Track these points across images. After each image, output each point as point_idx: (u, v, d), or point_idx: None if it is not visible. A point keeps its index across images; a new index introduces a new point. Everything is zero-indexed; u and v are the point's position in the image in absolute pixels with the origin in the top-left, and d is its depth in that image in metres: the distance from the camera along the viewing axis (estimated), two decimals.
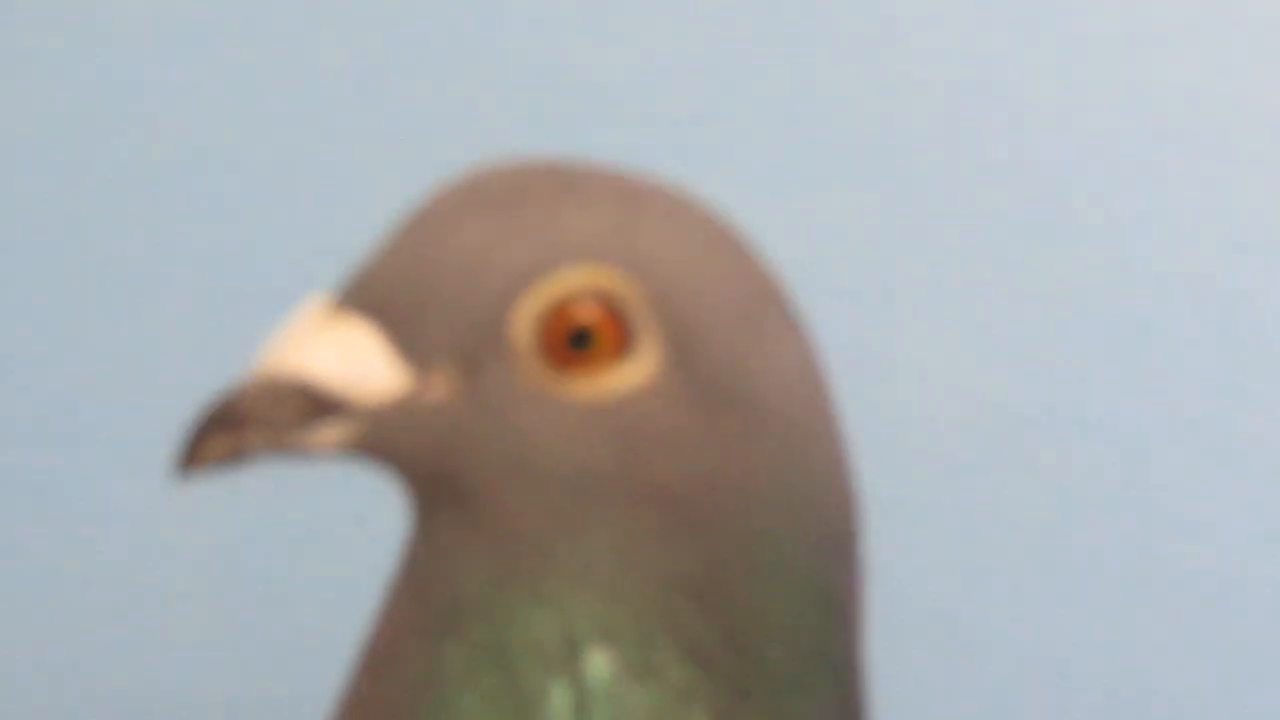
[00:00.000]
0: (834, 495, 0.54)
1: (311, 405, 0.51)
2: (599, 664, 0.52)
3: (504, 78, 0.93)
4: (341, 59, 0.93)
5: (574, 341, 0.50)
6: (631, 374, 0.50)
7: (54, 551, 0.82)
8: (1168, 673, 0.95)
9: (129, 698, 0.82)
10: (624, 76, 0.96)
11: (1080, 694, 0.94)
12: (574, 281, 0.50)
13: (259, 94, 0.90)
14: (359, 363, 0.51)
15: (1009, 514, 0.94)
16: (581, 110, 0.92)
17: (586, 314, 0.50)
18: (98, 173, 0.92)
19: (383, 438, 0.51)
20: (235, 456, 0.51)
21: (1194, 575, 0.96)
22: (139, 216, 0.84)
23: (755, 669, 0.53)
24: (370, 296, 0.51)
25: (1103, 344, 1.01)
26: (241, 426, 0.50)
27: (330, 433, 0.50)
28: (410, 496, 0.53)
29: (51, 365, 0.80)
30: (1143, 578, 0.93)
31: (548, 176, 0.53)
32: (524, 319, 0.50)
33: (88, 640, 0.84)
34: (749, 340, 0.53)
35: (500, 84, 0.93)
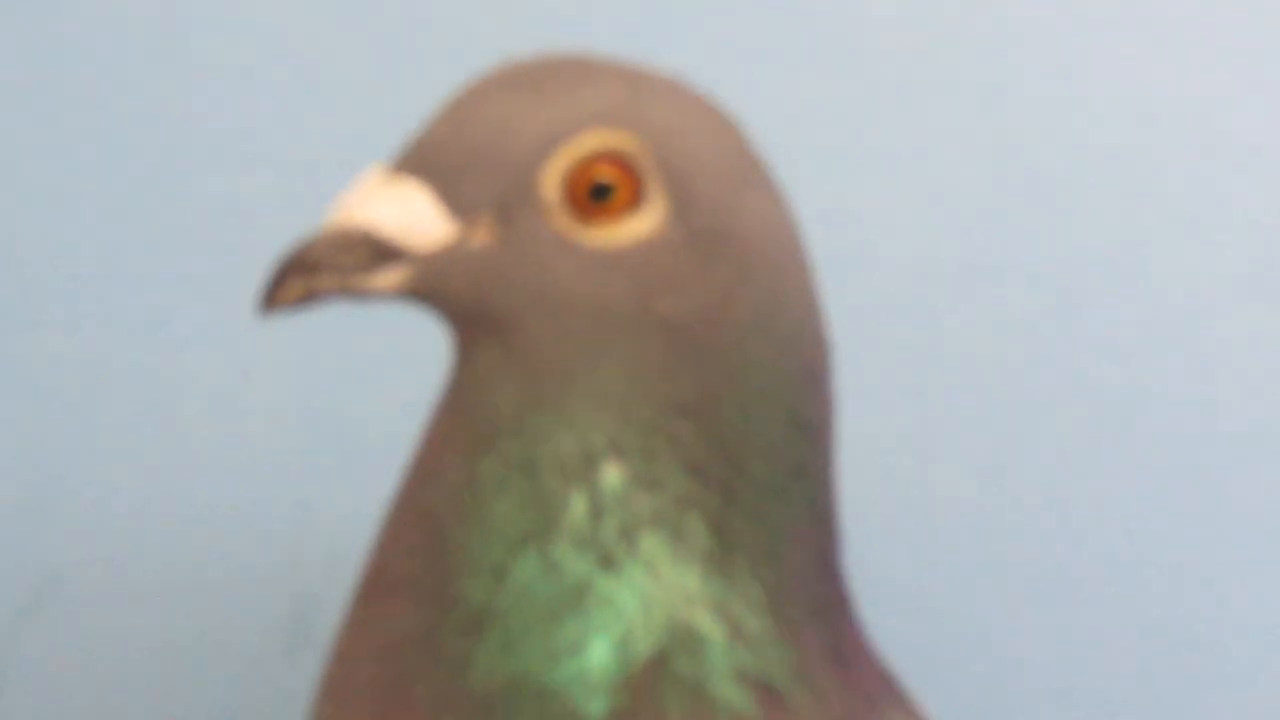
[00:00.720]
0: (808, 334, 0.61)
1: (373, 252, 0.57)
2: (612, 475, 0.58)
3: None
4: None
5: (594, 195, 0.57)
6: (641, 225, 0.56)
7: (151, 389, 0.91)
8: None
9: (208, 507, 0.92)
10: None
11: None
12: (593, 143, 0.56)
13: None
14: (413, 215, 0.57)
15: (963, 354, 1.00)
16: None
17: (605, 171, 0.57)
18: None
19: (433, 280, 0.57)
20: (309, 298, 0.57)
21: (1117, 397, 1.01)
22: (233, 105, 0.92)
23: (742, 480, 0.60)
24: (421, 161, 0.57)
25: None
26: (314, 271, 0.57)
27: (390, 276, 0.57)
28: (454, 334, 0.59)
29: (151, 218, 0.88)
30: (1075, 403, 0.99)
31: (567, 63, 0.60)
32: (552, 176, 0.56)
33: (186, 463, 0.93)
34: (736, 198, 0.60)
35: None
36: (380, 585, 0.63)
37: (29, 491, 0.96)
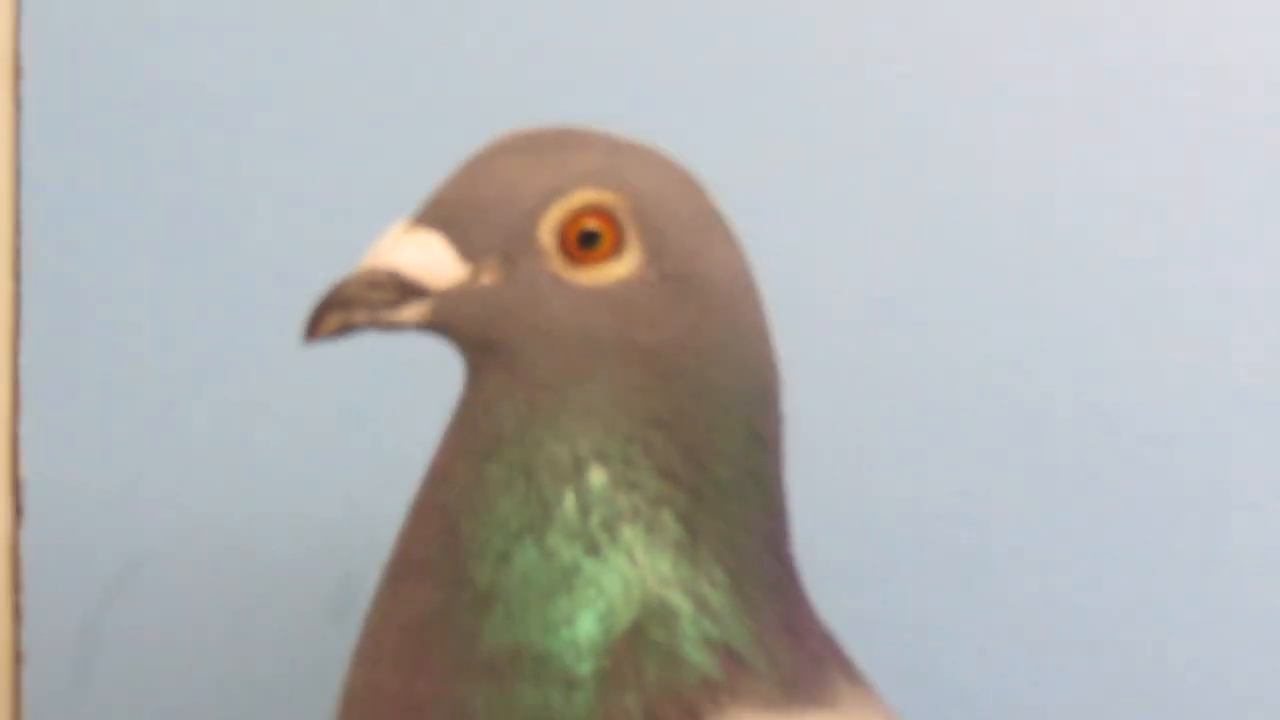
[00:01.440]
0: (763, 361, 0.70)
1: (399, 290, 0.65)
2: (597, 477, 0.67)
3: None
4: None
5: (583, 242, 0.65)
6: (622, 267, 0.66)
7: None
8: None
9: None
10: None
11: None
12: (582, 199, 0.66)
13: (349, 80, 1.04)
14: (432, 259, 0.66)
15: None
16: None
17: (592, 222, 0.66)
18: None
19: (448, 313, 0.66)
20: (344, 329, 0.66)
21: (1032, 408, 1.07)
22: (290, 170, 1.00)
23: (707, 482, 0.68)
24: (438, 214, 0.66)
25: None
26: (349, 306, 0.65)
27: (412, 310, 0.65)
28: (465, 359, 0.69)
29: (228, 256, 0.97)
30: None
31: (560, 132, 0.69)
32: (548, 226, 0.65)
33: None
34: (700, 246, 0.69)
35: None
36: (404, 569, 0.71)
37: (116, 488, 1.03)
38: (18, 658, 1.03)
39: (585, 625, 0.67)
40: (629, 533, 0.68)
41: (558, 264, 0.67)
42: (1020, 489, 1.10)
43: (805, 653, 0.72)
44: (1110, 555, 1.11)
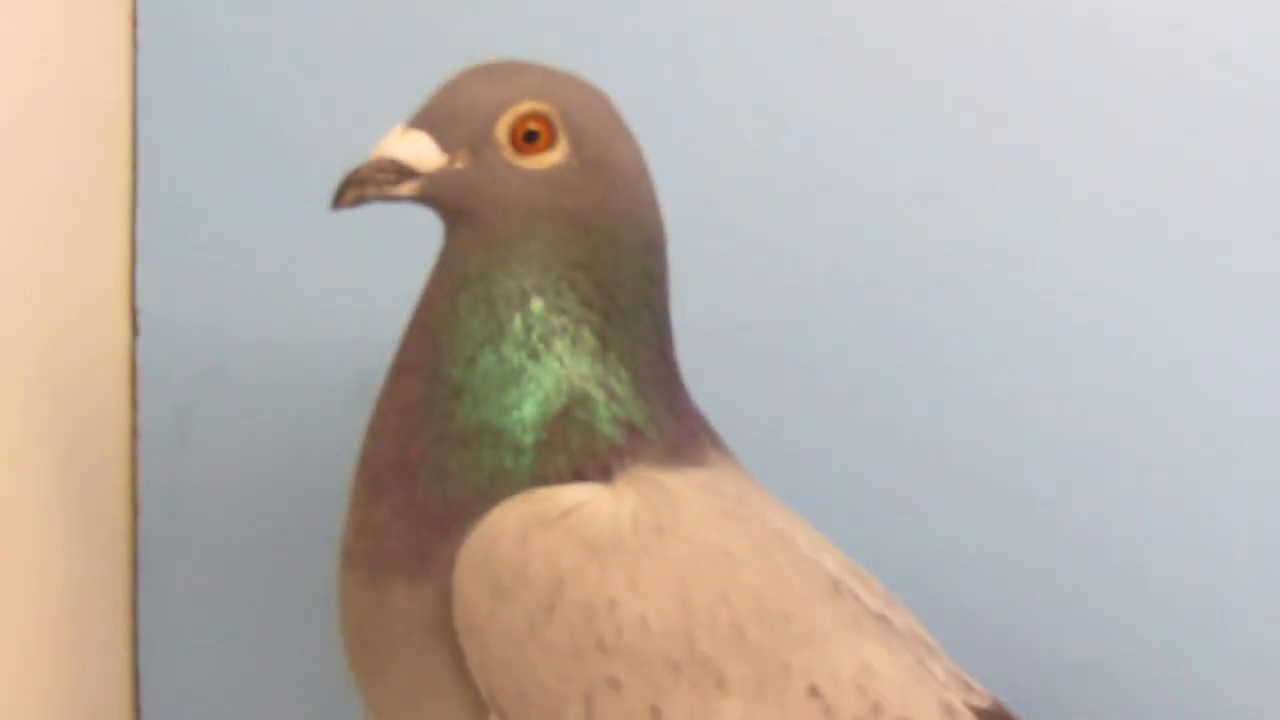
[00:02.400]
0: (652, 222, 0.87)
1: (398, 173, 0.82)
2: (536, 304, 0.83)
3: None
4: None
5: (526, 138, 0.82)
6: (554, 156, 0.83)
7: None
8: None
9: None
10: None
11: None
12: (526, 108, 0.82)
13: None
14: (420, 151, 0.83)
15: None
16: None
17: (533, 124, 0.83)
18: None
19: (432, 189, 0.83)
20: (359, 200, 0.82)
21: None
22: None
23: (614, 308, 0.85)
24: (425, 119, 0.83)
25: None
26: (362, 184, 0.82)
27: (407, 187, 0.82)
28: (444, 222, 0.85)
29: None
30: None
31: (510, 63, 0.86)
32: (502, 127, 0.82)
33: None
34: (608, 141, 0.85)
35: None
36: (400, 369, 0.87)
37: (205, 310, 1.18)
38: (134, 433, 1.19)
39: (529, 409, 0.84)
40: (559, 344, 0.85)
41: (509, 153, 0.84)
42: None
43: (684, 428, 0.88)
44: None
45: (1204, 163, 1.18)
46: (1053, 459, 1.19)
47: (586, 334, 0.86)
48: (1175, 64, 1.18)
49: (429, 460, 0.85)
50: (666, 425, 0.88)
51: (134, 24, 1.19)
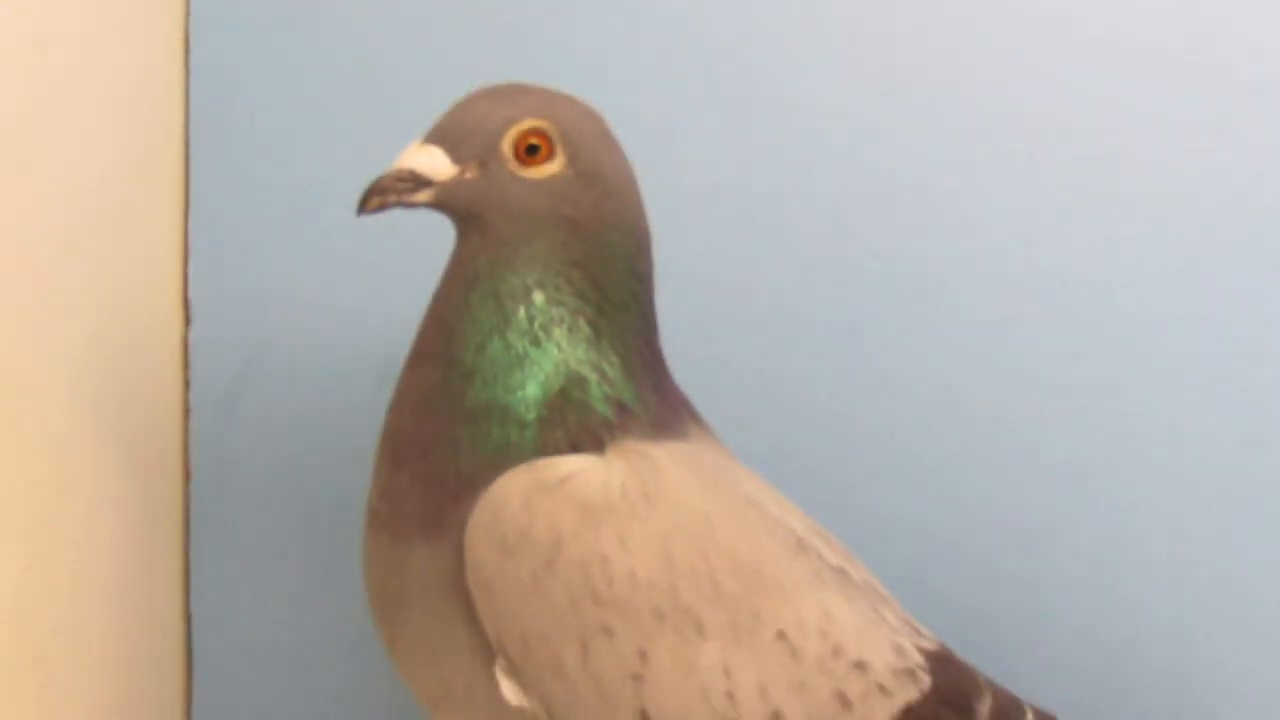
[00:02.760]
0: (639, 227, 0.91)
1: (415, 182, 0.87)
2: (538, 297, 0.87)
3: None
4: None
5: (528, 151, 0.87)
6: (552, 167, 0.87)
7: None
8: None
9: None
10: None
11: None
12: (528, 125, 0.87)
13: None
14: (435, 163, 0.87)
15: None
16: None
17: (534, 139, 0.87)
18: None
19: (445, 197, 0.87)
20: (381, 207, 0.87)
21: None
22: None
23: (605, 301, 0.89)
24: (439, 135, 0.87)
25: None
26: (384, 193, 0.87)
27: (423, 195, 0.87)
28: (456, 226, 0.89)
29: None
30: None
31: (515, 85, 0.90)
32: (507, 142, 0.87)
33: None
34: (601, 154, 0.89)
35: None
36: (419, 355, 0.91)
37: (250, 298, 1.20)
38: (186, 410, 1.21)
39: (531, 389, 0.88)
40: (557, 332, 0.89)
41: (513, 165, 0.88)
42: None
43: (667, 406, 0.92)
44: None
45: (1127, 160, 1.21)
46: (983, 436, 1.22)
47: (582, 324, 0.90)
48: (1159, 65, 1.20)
49: (444, 434, 0.89)
50: (652, 403, 0.91)
51: (186, 48, 1.22)
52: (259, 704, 1.24)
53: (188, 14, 1.21)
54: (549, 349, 0.89)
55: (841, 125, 1.21)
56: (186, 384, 1.23)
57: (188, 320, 1.22)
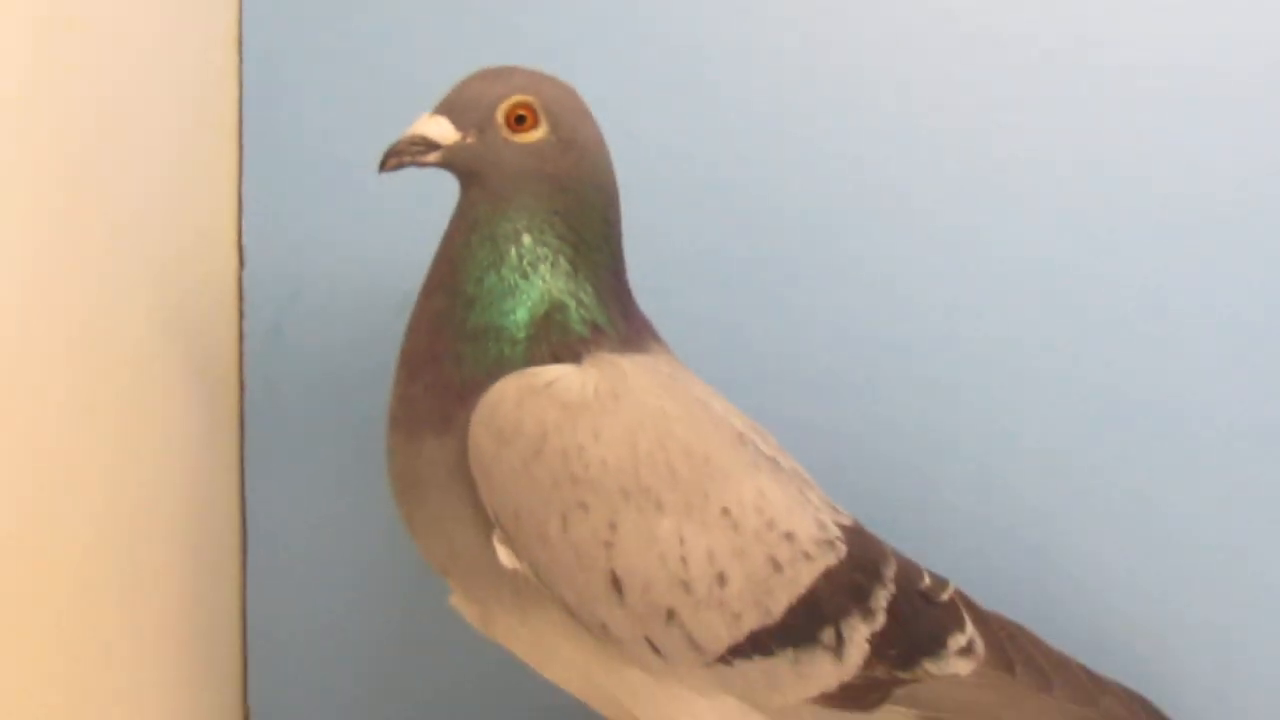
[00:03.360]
0: (609, 183, 0.99)
1: (425, 145, 0.94)
2: (526, 239, 0.95)
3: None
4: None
5: (518, 121, 0.95)
6: (537, 134, 0.95)
7: None
8: None
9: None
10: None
11: None
12: (517, 99, 0.95)
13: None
14: (442, 130, 0.95)
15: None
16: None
17: (522, 111, 0.95)
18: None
19: (450, 158, 0.94)
20: (397, 166, 0.94)
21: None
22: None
23: (582, 243, 0.97)
24: (445, 107, 0.95)
25: None
26: (400, 154, 0.94)
27: (432, 156, 0.94)
28: (460, 182, 0.96)
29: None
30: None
31: (507, 68, 0.97)
32: (500, 113, 0.95)
33: None
34: (576, 122, 0.97)
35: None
36: (429, 288, 0.97)
37: (293, 245, 1.26)
38: (241, 337, 1.28)
39: (520, 313, 0.96)
40: (542, 267, 0.97)
41: (505, 132, 0.96)
42: None
43: (632, 327, 1.00)
44: None
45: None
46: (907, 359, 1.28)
47: (562, 261, 0.98)
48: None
49: (450, 351, 0.97)
50: (620, 324, 1.00)
51: (240, 43, 1.28)
52: (305, 579, 1.32)
53: (240, 7, 1.27)
54: (535, 281, 0.97)
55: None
56: (241, 315, 1.30)
57: (242, 263, 1.29)
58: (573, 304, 0.98)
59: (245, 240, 1.29)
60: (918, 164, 1.25)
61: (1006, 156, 1.24)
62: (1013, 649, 1.09)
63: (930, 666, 1.04)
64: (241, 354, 1.30)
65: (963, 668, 1.06)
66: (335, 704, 1.32)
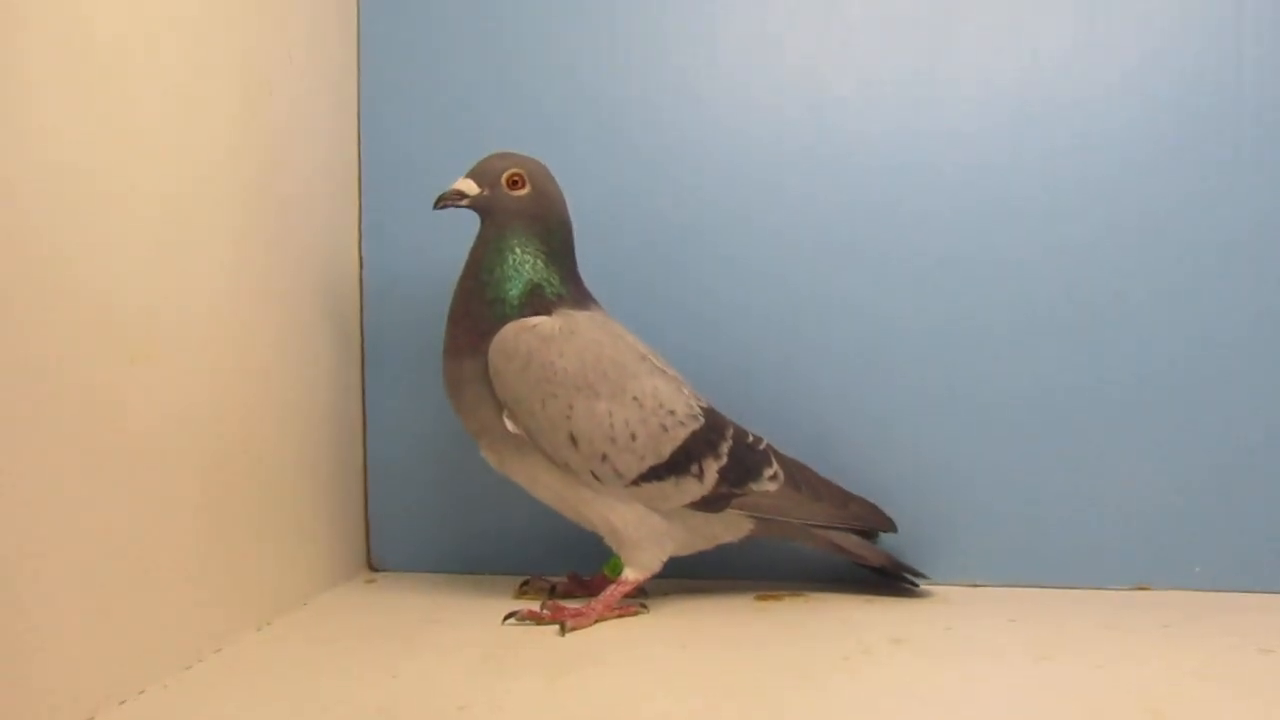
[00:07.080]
0: (566, 220, 1.69)
1: (459, 195, 1.65)
2: (518, 249, 1.65)
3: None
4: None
5: (513, 183, 1.67)
6: (525, 191, 1.67)
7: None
8: None
9: None
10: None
11: None
12: (514, 170, 1.66)
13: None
14: (469, 187, 1.67)
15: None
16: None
17: (517, 177, 1.67)
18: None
19: (475, 204, 1.66)
20: (444, 206, 1.65)
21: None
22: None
23: (551, 253, 1.66)
24: (473, 173, 1.66)
25: None
26: (445, 200, 1.64)
27: (464, 201, 1.65)
28: (481, 218, 1.68)
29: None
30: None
31: (509, 152, 1.69)
32: (504, 178, 1.66)
33: None
34: (547, 186, 1.69)
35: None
36: (463, 277, 1.62)
37: (392, 250, 1.81)
38: (361, 309, 1.78)
39: (514, 291, 1.57)
40: (527, 265, 1.58)
41: (506, 189, 1.60)
42: None
43: (581, 296, 1.60)
44: None
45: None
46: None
47: (539, 261, 1.59)
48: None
49: (476, 310, 1.56)
50: (574, 294, 1.59)
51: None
52: (408, 448, 1.85)
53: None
54: (524, 272, 1.59)
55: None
56: (361, 295, 1.86)
57: (361, 264, 1.84)
58: (546, 285, 1.60)
59: (364, 249, 1.86)
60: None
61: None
62: (800, 476, 1.70)
63: (753, 486, 1.64)
64: (362, 320, 1.86)
65: (771, 487, 1.67)
66: (433, 517, 1.87)
